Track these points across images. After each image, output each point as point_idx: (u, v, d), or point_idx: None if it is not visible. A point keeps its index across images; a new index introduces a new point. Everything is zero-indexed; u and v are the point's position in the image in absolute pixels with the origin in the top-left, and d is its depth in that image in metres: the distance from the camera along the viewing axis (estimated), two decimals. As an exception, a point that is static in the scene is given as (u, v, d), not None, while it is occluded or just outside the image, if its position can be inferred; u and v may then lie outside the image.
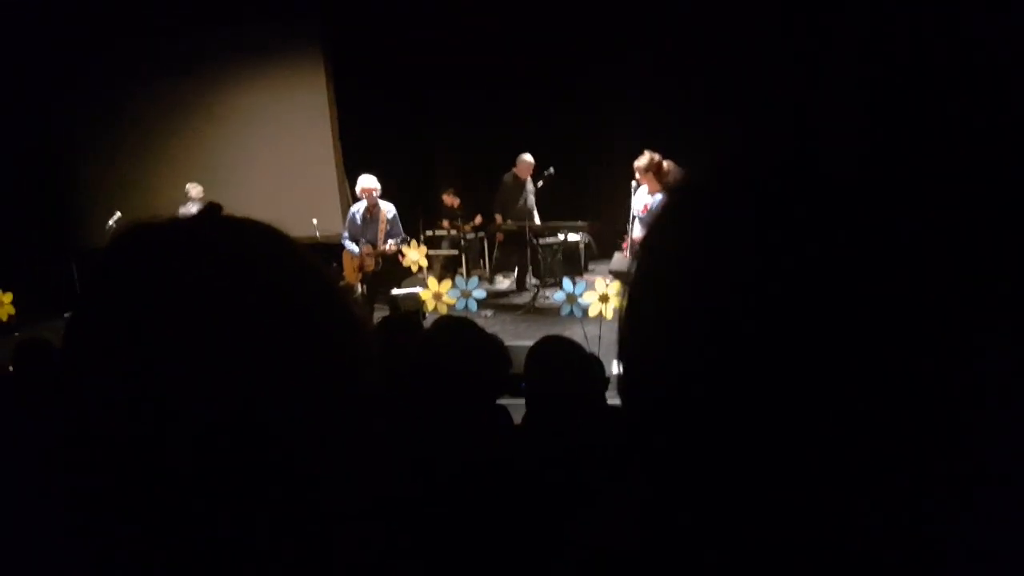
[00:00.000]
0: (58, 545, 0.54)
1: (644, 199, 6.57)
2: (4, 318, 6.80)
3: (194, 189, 8.65)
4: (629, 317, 0.56)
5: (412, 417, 1.80)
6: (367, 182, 7.15)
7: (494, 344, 2.01)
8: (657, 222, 0.57)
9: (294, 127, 9.81)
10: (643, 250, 0.57)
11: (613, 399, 2.85)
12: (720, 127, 9.08)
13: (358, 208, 7.25)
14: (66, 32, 9.33)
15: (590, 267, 9.18)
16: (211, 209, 0.63)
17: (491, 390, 1.97)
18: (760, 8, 8.26)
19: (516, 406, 2.41)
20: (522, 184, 8.61)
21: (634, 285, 0.56)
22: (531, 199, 8.71)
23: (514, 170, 8.61)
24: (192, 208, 8.58)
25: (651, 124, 9.02)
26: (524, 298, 8.66)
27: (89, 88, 9.83)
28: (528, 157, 8.58)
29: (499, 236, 9.02)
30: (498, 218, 8.71)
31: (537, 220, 8.74)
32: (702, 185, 0.54)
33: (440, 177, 10.40)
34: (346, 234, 7.32)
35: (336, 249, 7.55)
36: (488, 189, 9.59)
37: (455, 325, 2.06)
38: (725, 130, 8.93)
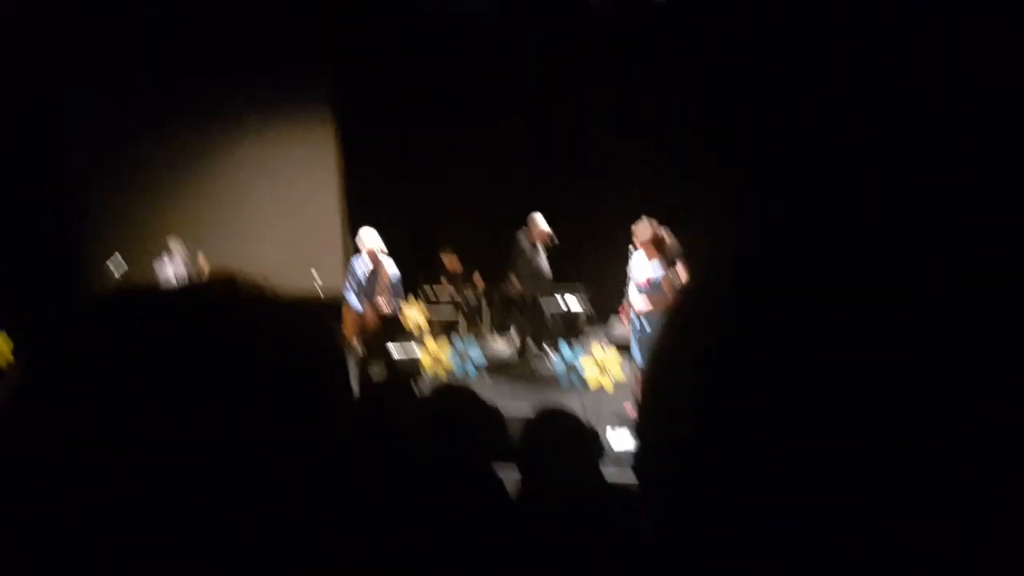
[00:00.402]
0: None
1: (643, 267, 6.62)
2: (3, 365, 6.76)
3: (176, 245, 8.73)
4: (649, 416, 0.59)
5: (406, 483, 1.79)
6: (370, 240, 7.11)
7: (493, 417, 2.00)
8: (668, 332, 0.61)
9: (299, 179, 9.95)
10: (658, 354, 0.60)
11: (608, 473, 2.82)
12: (718, 195, 9.27)
13: (361, 264, 7.21)
14: (78, 72, 9.49)
15: (586, 330, 9.18)
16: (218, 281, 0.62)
17: (487, 462, 1.96)
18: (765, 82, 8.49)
19: (510, 474, 2.39)
20: (532, 246, 8.49)
21: (654, 383, 0.59)
22: (543, 261, 8.57)
23: (526, 230, 8.50)
24: (168, 264, 8.63)
25: (647, 184, 9.17)
26: (522, 362, 8.66)
27: (98, 130, 9.95)
28: (539, 219, 8.46)
29: (515, 289, 8.82)
30: (514, 280, 8.58)
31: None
32: (714, 292, 0.58)
33: (441, 236, 10.50)
34: (350, 287, 7.23)
35: (336, 303, 7.54)
36: (490, 251, 9.67)
37: (455, 394, 2.06)
38: (723, 200, 9.11)
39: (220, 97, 9.83)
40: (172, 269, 8.55)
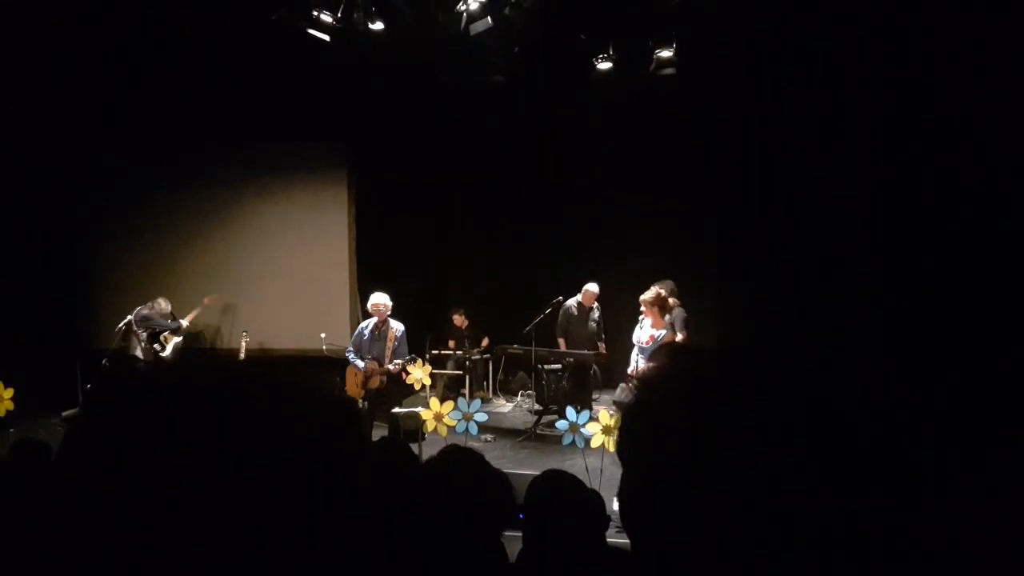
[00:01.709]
0: None
1: (649, 331, 6.72)
2: (2, 413, 6.81)
3: (163, 303, 8.89)
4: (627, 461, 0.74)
5: (409, 546, 1.81)
6: (379, 298, 7.31)
7: (500, 480, 2.03)
8: (648, 394, 0.73)
9: (312, 242, 10.05)
10: (637, 409, 0.73)
11: (614, 538, 2.83)
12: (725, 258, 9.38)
13: (367, 324, 7.38)
14: (96, 126, 9.63)
15: (594, 396, 9.19)
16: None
17: (493, 526, 1.97)
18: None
19: (513, 538, 2.41)
20: (587, 312, 8.74)
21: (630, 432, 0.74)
22: (594, 325, 8.76)
23: (579, 297, 8.72)
24: (145, 315, 8.76)
25: (658, 251, 9.30)
26: (526, 424, 8.64)
27: (112, 185, 10.05)
28: (593, 287, 8.75)
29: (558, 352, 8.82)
30: (561, 343, 8.71)
31: (603, 347, 8.75)
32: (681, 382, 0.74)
33: (450, 299, 10.61)
34: (351, 349, 7.42)
35: (340, 364, 7.64)
36: (497, 313, 9.78)
37: (462, 457, 2.09)
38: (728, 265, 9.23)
39: (238, 156, 10.01)
40: (149, 320, 8.79)
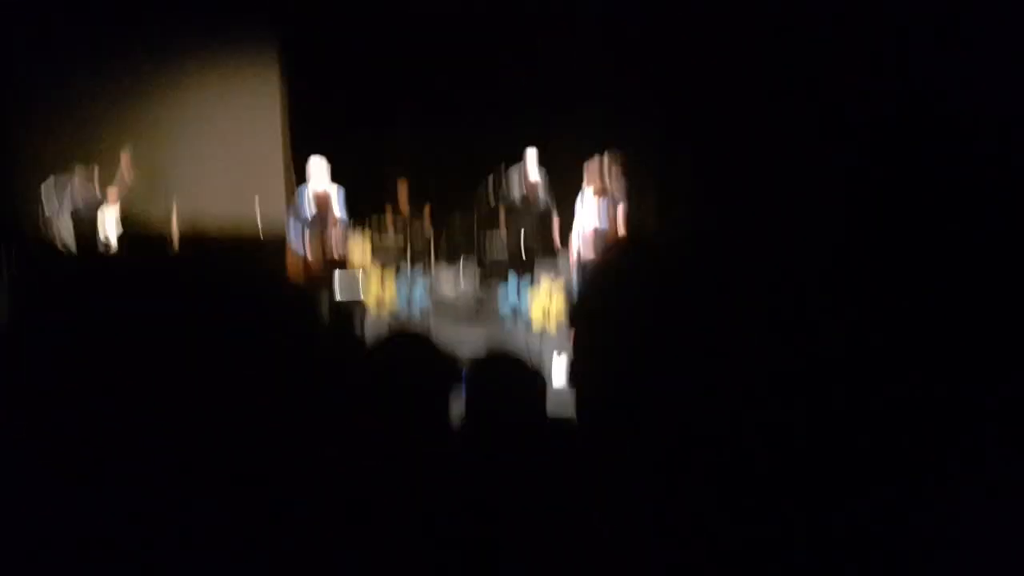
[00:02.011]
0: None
1: (591, 209, 6.68)
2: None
3: (82, 171, 8.24)
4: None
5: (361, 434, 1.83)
6: (319, 174, 6.72)
7: (452, 364, 2.06)
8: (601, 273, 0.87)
9: (242, 105, 9.54)
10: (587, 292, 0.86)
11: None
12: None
13: (307, 202, 6.89)
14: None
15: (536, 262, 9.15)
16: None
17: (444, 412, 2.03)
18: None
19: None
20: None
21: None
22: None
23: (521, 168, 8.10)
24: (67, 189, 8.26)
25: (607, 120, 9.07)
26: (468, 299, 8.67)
27: (34, 55, 9.25)
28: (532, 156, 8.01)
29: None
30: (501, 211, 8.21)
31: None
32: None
33: (392, 167, 10.26)
34: (294, 228, 6.91)
35: (280, 237, 7.33)
36: (442, 183, 9.52)
37: (411, 342, 2.11)
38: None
39: (159, 25, 9.27)
40: (70, 195, 8.23)
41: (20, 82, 9.39)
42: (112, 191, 8.49)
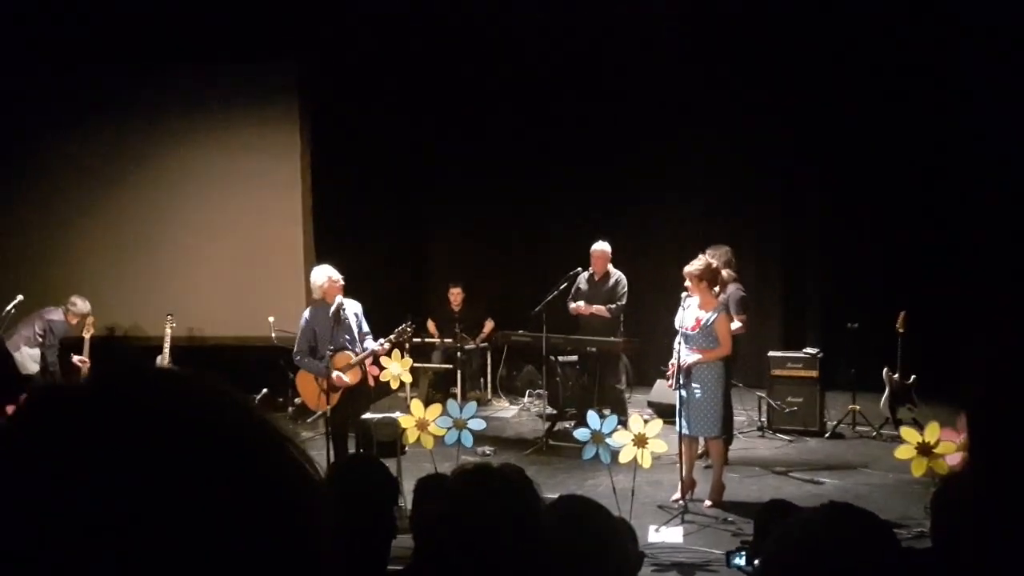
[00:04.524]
0: None
1: (695, 313, 6.59)
2: None
3: (81, 303, 8.26)
4: None
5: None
6: (324, 273, 6.76)
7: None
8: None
9: (254, 194, 9.47)
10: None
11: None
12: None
13: (317, 311, 6.87)
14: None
15: (625, 394, 9.12)
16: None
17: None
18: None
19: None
20: (599, 283, 8.26)
21: None
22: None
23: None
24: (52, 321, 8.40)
25: (707, 212, 9.12)
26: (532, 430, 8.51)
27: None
28: (603, 247, 8.30)
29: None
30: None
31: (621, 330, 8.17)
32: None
33: (434, 271, 10.45)
34: (301, 351, 6.90)
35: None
36: (497, 289, 9.62)
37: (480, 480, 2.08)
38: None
39: (170, 87, 9.70)
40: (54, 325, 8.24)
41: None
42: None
